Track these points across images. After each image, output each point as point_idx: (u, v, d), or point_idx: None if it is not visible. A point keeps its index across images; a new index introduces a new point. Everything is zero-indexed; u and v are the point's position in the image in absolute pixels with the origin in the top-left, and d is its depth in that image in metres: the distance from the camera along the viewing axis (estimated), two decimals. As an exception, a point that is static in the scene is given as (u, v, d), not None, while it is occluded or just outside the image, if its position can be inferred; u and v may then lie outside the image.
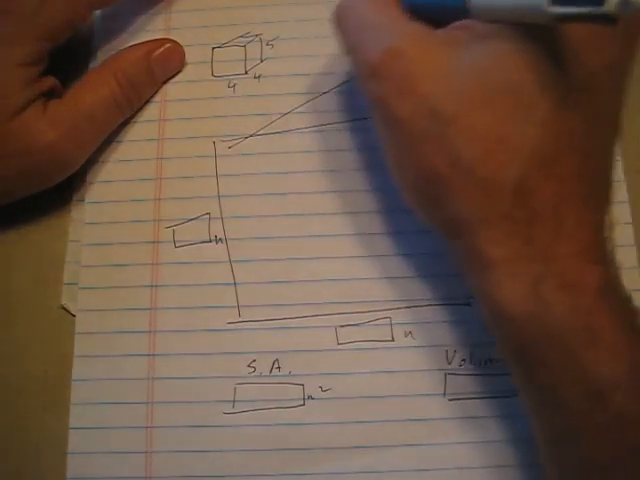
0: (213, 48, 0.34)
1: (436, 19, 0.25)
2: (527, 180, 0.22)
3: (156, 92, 0.33)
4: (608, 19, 0.18)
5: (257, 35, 0.34)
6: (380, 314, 0.29)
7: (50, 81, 0.30)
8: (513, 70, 0.22)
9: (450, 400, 0.28)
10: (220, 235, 0.31)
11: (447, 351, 0.29)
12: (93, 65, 0.34)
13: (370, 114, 0.25)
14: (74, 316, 0.30)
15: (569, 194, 0.22)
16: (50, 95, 0.30)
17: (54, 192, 0.31)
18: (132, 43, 0.33)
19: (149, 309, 0.30)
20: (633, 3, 0.17)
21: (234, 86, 0.33)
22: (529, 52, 0.22)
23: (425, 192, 0.24)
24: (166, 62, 0.33)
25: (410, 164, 0.24)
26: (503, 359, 0.24)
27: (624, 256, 0.29)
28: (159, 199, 0.31)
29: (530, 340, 0.22)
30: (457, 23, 0.24)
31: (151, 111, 0.33)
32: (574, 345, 0.21)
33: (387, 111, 0.24)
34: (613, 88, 0.23)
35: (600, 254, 0.23)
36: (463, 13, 0.23)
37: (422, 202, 0.25)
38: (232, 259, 0.30)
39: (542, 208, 0.22)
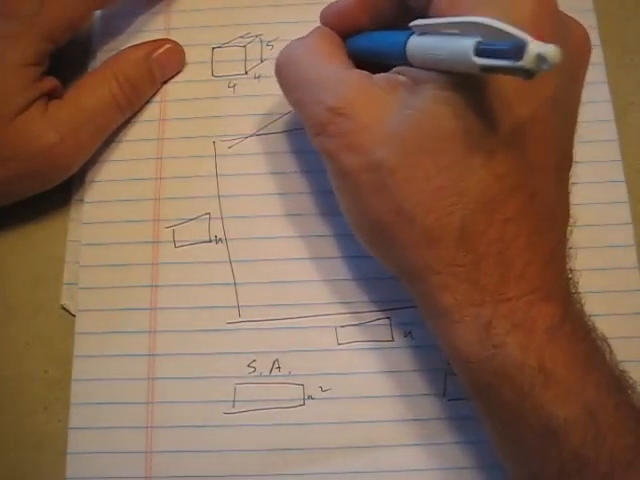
0: (213, 48, 0.34)
1: (376, 62, 0.26)
2: (470, 226, 0.22)
3: (156, 92, 0.33)
4: (526, 73, 0.18)
5: (257, 35, 0.34)
6: (380, 314, 0.29)
7: (51, 82, 0.30)
8: (447, 118, 0.22)
9: (450, 400, 0.28)
10: (220, 235, 0.31)
11: (447, 351, 0.29)
12: (93, 65, 0.34)
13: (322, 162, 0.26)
14: (74, 316, 0.30)
15: (516, 234, 0.22)
16: (51, 96, 0.30)
17: (54, 192, 0.31)
18: (132, 43, 0.33)
19: (149, 309, 0.30)
20: (549, 59, 0.17)
21: (234, 86, 0.33)
22: (461, 101, 0.22)
23: (375, 239, 0.25)
24: (166, 63, 0.33)
25: (359, 212, 0.25)
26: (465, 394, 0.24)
27: (624, 256, 0.30)
28: (159, 199, 0.31)
29: (485, 381, 0.22)
30: (398, 68, 0.24)
31: (151, 111, 0.33)
32: (527, 386, 0.21)
33: (335, 165, 0.25)
34: (553, 123, 0.23)
35: (552, 290, 0.23)
36: (402, 59, 0.24)
37: (373, 247, 0.26)
38: (232, 259, 0.30)
39: (488, 252, 0.22)
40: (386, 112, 0.23)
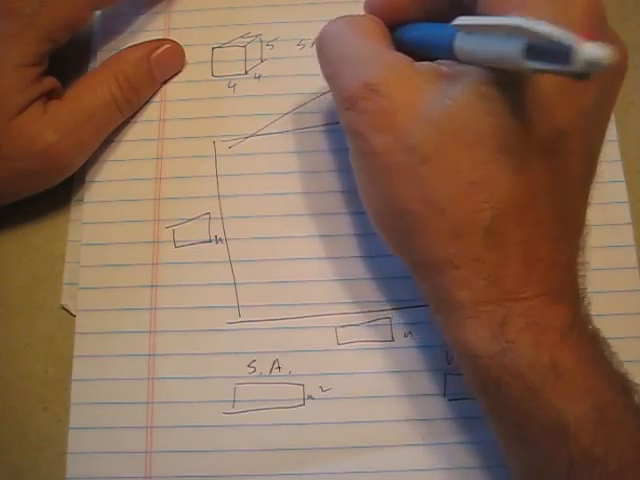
0: (213, 48, 0.34)
1: (423, 54, 0.25)
2: (499, 224, 0.22)
3: (156, 92, 0.33)
4: (579, 75, 0.18)
5: (257, 35, 0.34)
6: (380, 314, 0.29)
7: (50, 82, 0.30)
8: (487, 114, 0.22)
9: (450, 400, 0.28)
10: (220, 235, 0.31)
11: (447, 351, 0.29)
12: (93, 65, 0.34)
13: (346, 142, 0.26)
14: (74, 316, 0.30)
15: (541, 238, 0.22)
16: (50, 96, 0.30)
17: (54, 192, 0.31)
18: (132, 43, 0.33)
19: (149, 309, 0.30)
20: (600, 62, 0.17)
21: (234, 86, 0.33)
22: (504, 99, 0.22)
23: (394, 225, 0.24)
24: (166, 63, 0.33)
25: (382, 196, 0.24)
26: (471, 393, 0.24)
27: (624, 256, 0.30)
28: (159, 199, 0.31)
29: (495, 377, 0.22)
30: (441, 61, 0.24)
31: (151, 111, 0.33)
32: (538, 383, 0.21)
33: (363, 143, 0.24)
34: (588, 135, 0.23)
35: (568, 293, 0.23)
36: (449, 53, 0.23)
37: (391, 234, 0.25)
38: (232, 259, 0.30)
39: (513, 252, 0.22)
40: (423, 99, 0.23)
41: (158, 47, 0.32)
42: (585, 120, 0.22)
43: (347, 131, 0.25)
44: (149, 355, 0.29)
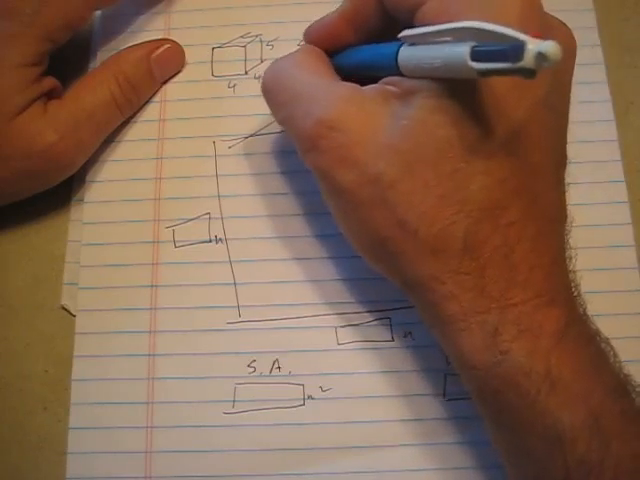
0: (213, 48, 0.34)
1: (367, 76, 0.25)
2: (475, 234, 0.22)
3: (156, 92, 0.33)
4: (527, 73, 0.18)
5: (257, 35, 0.34)
6: (380, 314, 0.29)
7: (50, 82, 0.30)
8: (443, 126, 0.22)
9: (449, 400, 0.28)
10: (220, 235, 0.31)
11: (447, 351, 0.29)
12: (93, 65, 0.34)
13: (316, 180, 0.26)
14: (74, 316, 0.30)
15: (519, 239, 0.22)
16: (50, 95, 0.30)
17: (54, 192, 0.31)
18: (132, 43, 0.33)
19: (149, 309, 0.30)
20: (550, 57, 0.17)
21: (234, 86, 0.33)
22: (455, 108, 0.22)
23: (379, 255, 0.25)
24: (166, 62, 0.33)
25: (359, 229, 0.25)
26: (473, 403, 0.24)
27: (624, 256, 0.30)
28: (159, 199, 0.31)
29: (492, 387, 0.22)
30: (387, 79, 0.24)
31: (151, 111, 0.33)
32: (534, 392, 0.21)
33: (330, 183, 0.24)
34: (547, 123, 0.23)
35: (557, 294, 0.23)
36: (394, 70, 0.23)
37: (376, 262, 0.25)
38: (232, 259, 0.30)
39: (492, 258, 0.22)
40: (379, 124, 0.23)
41: (158, 47, 0.32)
42: (542, 109, 0.22)
43: (313, 172, 0.25)
44: (149, 355, 0.29)
